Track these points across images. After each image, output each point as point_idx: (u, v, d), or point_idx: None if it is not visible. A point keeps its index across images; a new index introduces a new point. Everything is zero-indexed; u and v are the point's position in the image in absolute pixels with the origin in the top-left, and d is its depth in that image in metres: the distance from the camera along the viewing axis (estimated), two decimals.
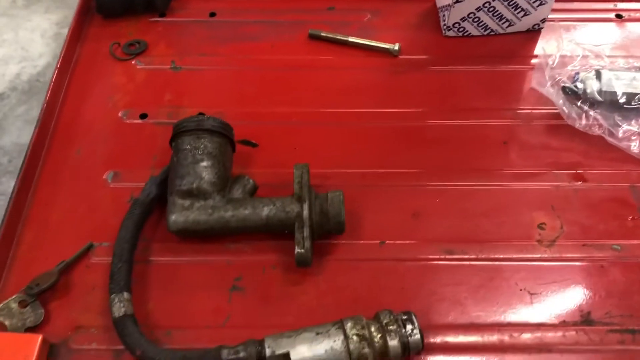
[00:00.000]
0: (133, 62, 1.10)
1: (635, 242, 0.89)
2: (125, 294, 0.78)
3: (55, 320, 0.81)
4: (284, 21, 1.17)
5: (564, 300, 0.84)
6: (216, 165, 0.85)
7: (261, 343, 0.73)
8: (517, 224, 0.91)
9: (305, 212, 0.81)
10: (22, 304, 0.80)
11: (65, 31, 1.95)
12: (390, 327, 0.74)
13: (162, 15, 1.17)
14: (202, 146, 0.85)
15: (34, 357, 0.74)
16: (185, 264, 0.87)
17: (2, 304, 0.80)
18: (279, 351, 0.72)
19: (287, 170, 0.90)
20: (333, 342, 0.73)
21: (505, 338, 0.80)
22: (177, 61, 1.10)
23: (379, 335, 0.74)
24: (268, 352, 0.72)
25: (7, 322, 0.78)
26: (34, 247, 0.87)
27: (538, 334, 0.81)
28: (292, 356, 0.72)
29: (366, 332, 0.73)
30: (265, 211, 0.83)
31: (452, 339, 0.80)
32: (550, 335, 0.80)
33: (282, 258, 0.87)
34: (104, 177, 0.95)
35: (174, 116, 1.00)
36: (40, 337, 0.76)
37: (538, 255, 0.88)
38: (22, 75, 1.88)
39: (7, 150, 1.67)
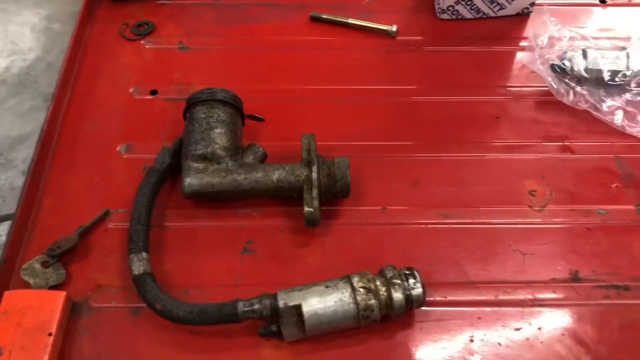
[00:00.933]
0: (142, 42, 1.15)
1: (618, 207, 0.95)
2: (144, 254, 0.83)
3: (76, 281, 0.85)
4: (286, 4, 1.22)
5: (554, 259, 0.90)
6: (228, 132, 0.89)
7: (274, 296, 0.78)
8: (510, 191, 0.97)
9: (314, 174, 0.86)
10: (45, 264, 0.85)
11: (55, 26, 1.97)
12: (395, 281, 0.79)
13: None
14: (215, 115, 0.90)
15: (59, 312, 0.78)
16: (199, 228, 0.91)
17: (26, 264, 0.84)
18: (292, 303, 0.77)
19: (293, 143, 0.95)
20: (342, 294, 0.78)
21: (500, 294, 0.86)
22: (185, 41, 1.15)
23: (384, 288, 0.79)
24: (281, 304, 0.77)
25: (31, 281, 0.83)
26: (53, 213, 0.92)
27: (530, 290, 0.87)
28: (303, 307, 0.77)
29: (372, 285, 0.79)
30: (276, 175, 0.88)
31: (451, 295, 0.86)
32: (542, 291, 0.86)
33: (290, 223, 0.92)
34: (117, 149, 1.00)
35: (183, 93, 1.05)
36: (64, 294, 0.81)
37: (529, 220, 0.94)
38: (12, 68, 1.88)
39: None
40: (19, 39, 1.98)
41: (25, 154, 1.63)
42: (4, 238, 1.43)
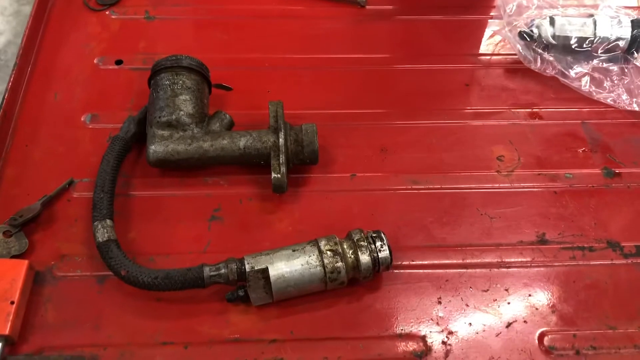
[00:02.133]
0: (107, 12, 1.12)
1: (585, 170, 0.96)
2: (108, 221, 0.82)
3: (39, 250, 0.84)
4: None
5: (521, 222, 0.90)
6: (194, 99, 0.88)
7: (241, 260, 0.78)
8: (478, 157, 0.97)
9: (281, 141, 0.85)
10: (7, 234, 0.83)
11: (26, 8, 1.92)
12: (362, 243, 0.79)
13: None
14: (180, 82, 0.88)
15: (21, 281, 0.77)
16: (166, 197, 0.90)
17: None
18: (258, 267, 0.77)
19: (261, 112, 0.95)
20: (308, 257, 0.78)
21: (468, 257, 0.86)
22: (151, 11, 1.13)
23: (350, 251, 0.79)
24: (247, 267, 0.77)
25: None
26: (16, 183, 0.90)
27: (498, 253, 0.87)
28: (270, 271, 0.76)
29: (339, 248, 0.78)
30: (243, 141, 0.87)
31: (419, 259, 0.86)
32: (509, 254, 0.87)
33: (258, 190, 0.91)
34: (82, 119, 0.98)
35: (149, 62, 1.02)
36: (26, 262, 0.79)
37: (497, 185, 0.94)
38: None
39: None
40: None
41: None
42: None
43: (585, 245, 0.88)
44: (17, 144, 0.94)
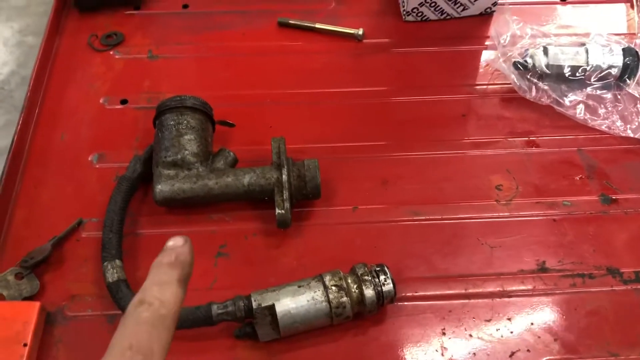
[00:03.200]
0: (111, 52, 1.15)
1: (583, 198, 0.98)
2: (117, 262, 0.84)
3: (50, 291, 0.86)
4: (253, 10, 1.23)
5: (521, 251, 0.92)
6: (198, 138, 0.91)
7: (248, 298, 0.79)
8: (477, 186, 0.99)
9: (284, 177, 0.87)
10: (18, 276, 0.85)
11: (29, 39, 1.96)
12: (366, 278, 0.81)
13: (137, 8, 1.22)
14: (185, 121, 0.91)
15: (34, 323, 0.79)
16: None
17: None
18: (265, 304, 0.78)
19: (264, 147, 0.97)
20: (314, 293, 0.79)
21: (470, 287, 0.88)
22: (154, 50, 1.16)
23: (355, 285, 0.81)
24: (255, 305, 0.78)
25: (5, 293, 0.83)
26: (26, 225, 0.92)
27: (499, 282, 0.89)
28: (277, 307, 0.78)
29: (343, 283, 0.80)
30: (247, 178, 0.89)
31: (422, 290, 0.88)
32: (510, 283, 0.89)
33: (262, 225, 0.93)
34: (89, 158, 1.00)
35: (153, 101, 1.05)
36: (38, 304, 0.81)
37: (497, 214, 0.96)
38: None
39: None
40: None
41: (1, 168, 1.63)
42: None
43: (585, 272, 0.90)
44: (26, 186, 0.96)
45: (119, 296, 0.81)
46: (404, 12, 1.22)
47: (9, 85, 1.90)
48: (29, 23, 2.03)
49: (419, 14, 1.21)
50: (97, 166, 0.99)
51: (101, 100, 1.08)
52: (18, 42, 2.00)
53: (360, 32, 1.18)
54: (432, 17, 1.22)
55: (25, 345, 0.76)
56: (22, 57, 1.95)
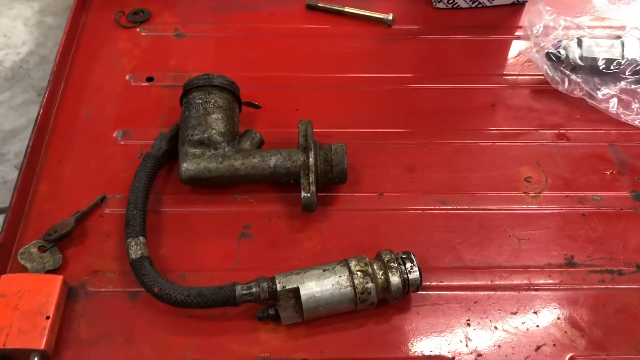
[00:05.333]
0: (138, 29, 1.14)
1: (613, 193, 0.96)
2: (141, 238, 0.83)
3: (72, 265, 0.85)
4: None
5: (549, 245, 0.90)
6: (225, 118, 0.89)
7: (272, 279, 0.78)
8: (505, 177, 0.97)
9: (311, 160, 0.86)
10: (41, 249, 0.84)
11: (48, 19, 1.96)
12: (392, 264, 0.80)
13: None
14: (212, 100, 0.89)
15: (56, 296, 0.78)
16: (196, 214, 0.91)
17: (22, 249, 0.84)
18: (289, 286, 0.77)
19: (289, 130, 0.96)
20: (339, 277, 0.78)
21: (496, 279, 0.87)
22: (180, 29, 1.15)
23: (381, 272, 0.79)
24: (279, 287, 0.77)
25: (28, 265, 0.83)
26: (49, 198, 0.91)
27: (526, 275, 0.87)
28: (301, 290, 0.77)
29: (369, 269, 0.79)
30: (273, 160, 0.88)
31: (447, 280, 0.86)
32: (537, 276, 0.87)
33: (287, 208, 0.92)
34: (114, 135, 0.99)
35: (179, 79, 1.05)
36: (61, 278, 0.80)
37: (525, 206, 0.94)
38: (5, 62, 1.85)
39: None
40: (11, 32, 1.96)
41: (18, 147, 1.62)
42: None
43: (615, 268, 0.88)
44: (50, 160, 0.96)
45: (142, 273, 0.80)
46: None
47: (28, 65, 1.89)
48: (49, 3, 2.02)
49: (450, 1, 1.19)
50: (122, 143, 0.99)
51: (127, 77, 1.07)
52: (38, 22, 1.99)
53: (390, 17, 1.16)
54: (463, 4, 1.20)
55: (47, 317, 0.76)
56: (41, 37, 1.94)
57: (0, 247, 0.84)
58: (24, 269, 0.82)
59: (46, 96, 1.00)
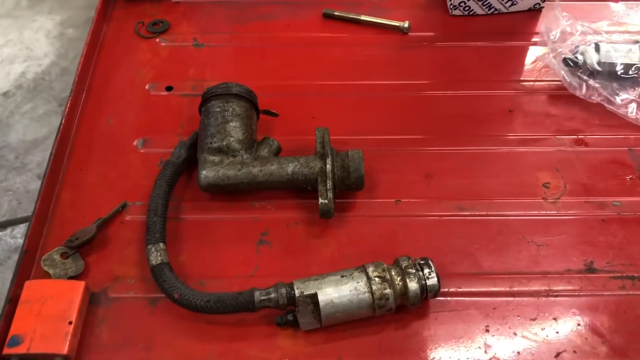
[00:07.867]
0: (157, 39, 1.16)
1: (633, 199, 0.95)
2: (161, 245, 0.84)
3: (94, 272, 0.87)
4: (298, 1, 1.23)
5: (569, 251, 0.90)
6: (243, 126, 0.91)
7: (290, 285, 0.79)
8: (523, 183, 0.97)
9: (328, 167, 0.87)
10: (64, 255, 0.86)
11: (69, 31, 2.00)
12: (410, 270, 0.80)
13: None
14: (230, 109, 0.91)
15: (79, 301, 0.80)
16: (214, 220, 0.92)
17: (46, 255, 0.85)
18: (308, 292, 0.78)
19: (307, 137, 0.97)
20: (357, 283, 0.78)
21: (515, 285, 0.86)
22: (199, 39, 1.17)
23: (399, 278, 0.80)
24: (297, 292, 0.78)
25: (51, 271, 0.84)
26: (71, 206, 0.93)
27: (545, 281, 0.87)
28: (319, 296, 0.77)
29: (387, 275, 0.79)
30: (291, 167, 0.89)
31: (466, 286, 0.86)
32: (557, 282, 0.87)
33: (304, 215, 0.93)
34: (134, 143, 1.01)
35: (198, 88, 1.06)
36: (83, 284, 0.82)
37: (544, 211, 0.94)
38: (27, 73, 1.89)
39: (13, 147, 1.67)
40: (34, 44, 2.00)
41: (40, 157, 1.66)
42: (20, 241, 1.44)
43: (636, 274, 0.87)
44: (72, 168, 0.98)
45: (163, 279, 0.81)
46: (451, 6, 1.20)
47: (50, 76, 1.93)
48: (70, 15, 2.06)
49: (466, 8, 1.19)
50: (142, 151, 1.00)
51: (147, 87, 1.09)
52: (59, 33, 2.04)
53: (406, 24, 1.17)
54: (480, 11, 1.20)
55: (70, 323, 0.77)
56: (62, 49, 1.98)
57: (24, 253, 0.85)
58: (47, 275, 0.84)
59: (68, 106, 1.02)
